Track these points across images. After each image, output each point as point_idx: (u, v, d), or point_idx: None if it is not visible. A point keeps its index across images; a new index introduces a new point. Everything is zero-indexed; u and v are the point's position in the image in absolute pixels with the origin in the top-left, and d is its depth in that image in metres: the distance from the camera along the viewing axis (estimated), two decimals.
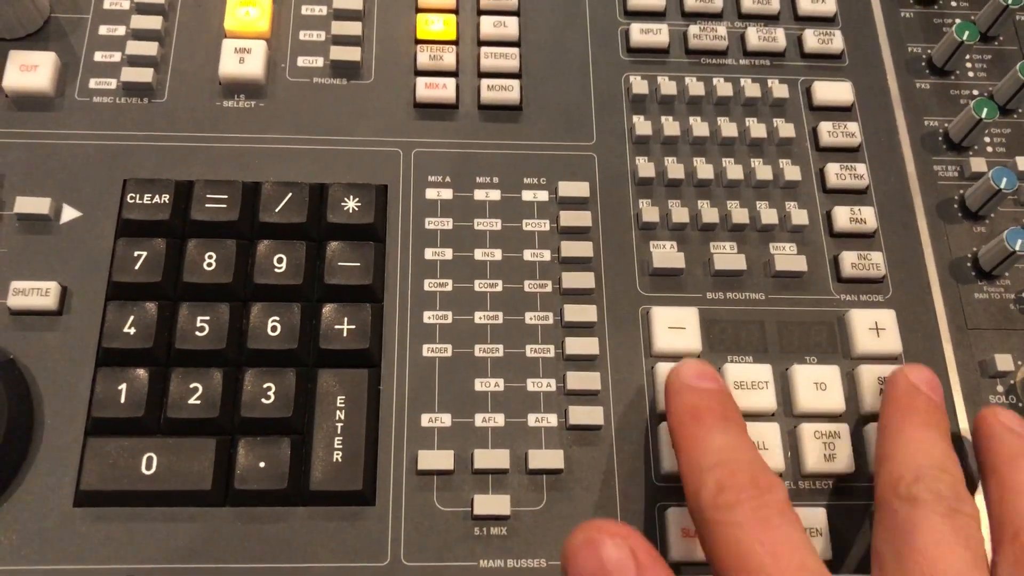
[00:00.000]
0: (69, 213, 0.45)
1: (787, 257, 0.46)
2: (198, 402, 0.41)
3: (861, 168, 0.49)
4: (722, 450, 0.37)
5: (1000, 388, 0.45)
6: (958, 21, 0.51)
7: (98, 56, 0.48)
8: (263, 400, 0.41)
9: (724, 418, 0.38)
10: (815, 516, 0.42)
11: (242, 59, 0.48)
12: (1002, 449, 0.39)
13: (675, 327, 0.45)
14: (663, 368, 0.44)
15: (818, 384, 0.44)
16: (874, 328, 0.45)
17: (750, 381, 0.44)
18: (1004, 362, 0.45)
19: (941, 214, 0.49)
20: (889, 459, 0.38)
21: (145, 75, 0.47)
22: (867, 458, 0.43)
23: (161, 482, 0.40)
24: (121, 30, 0.49)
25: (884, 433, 0.40)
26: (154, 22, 0.49)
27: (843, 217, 0.47)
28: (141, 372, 0.41)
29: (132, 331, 0.42)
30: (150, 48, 0.48)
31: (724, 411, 0.39)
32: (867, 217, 0.48)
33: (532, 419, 0.43)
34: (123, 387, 0.41)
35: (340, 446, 0.41)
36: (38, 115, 0.47)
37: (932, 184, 0.49)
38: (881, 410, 0.41)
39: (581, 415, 0.43)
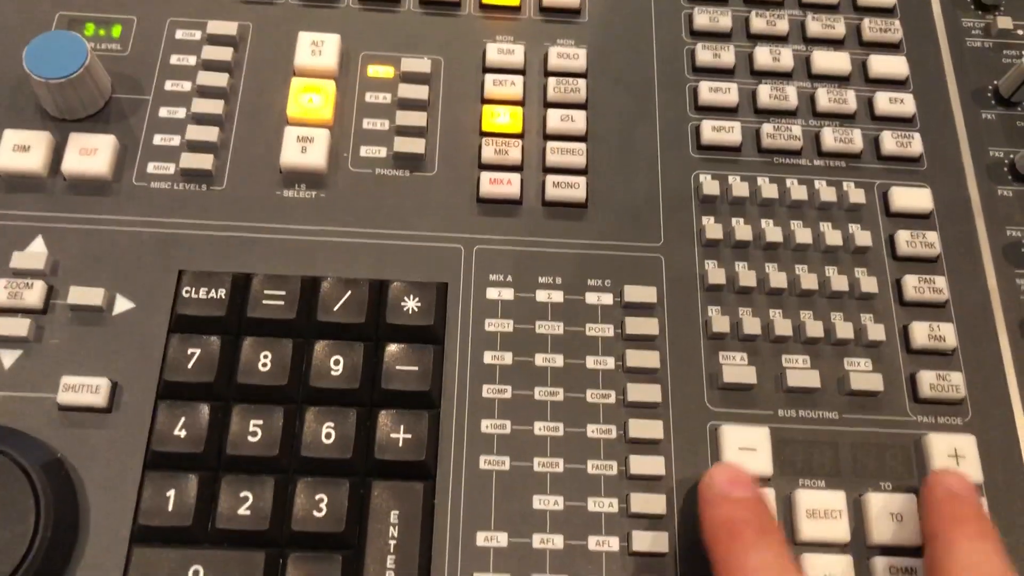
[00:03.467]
0: (122, 304, 0.44)
1: (862, 375, 0.44)
2: (248, 512, 0.40)
3: (940, 281, 0.47)
4: (759, 570, 0.36)
5: None
6: None
7: (157, 139, 0.47)
8: (315, 513, 0.40)
9: (761, 532, 0.38)
10: None
11: (304, 148, 0.47)
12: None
13: (745, 448, 0.43)
14: None
15: (894, 515, 0.42)
16: (953, 455, 0.43)
17: (823, 510, 0.42)
18: None
19: None
20: (945, 574, 0.37)
21: (205, 161, 0.46)
22: None
23: None
24: (181, 112, 0.48)
25: (935, 545, 0.39)
26: (215, 106, 0.48)
27: (921, 334, 0.45)
28: (190, 478, 0.40)
29: (183, 434, 0.41)
30: (210, 133, 0.47)
31: (761, 524, 0.38)
32: (946, 334, 0.45)
33: (593, 542, 0.41)
34: (171, 493, 0.40)
35: (393, 566, 0.39)
36: (95, 200, 0.46)
37: (1015, 299, 0.47)
38: (924, 518, 0.40)
39: (644, 540, 0.41)
